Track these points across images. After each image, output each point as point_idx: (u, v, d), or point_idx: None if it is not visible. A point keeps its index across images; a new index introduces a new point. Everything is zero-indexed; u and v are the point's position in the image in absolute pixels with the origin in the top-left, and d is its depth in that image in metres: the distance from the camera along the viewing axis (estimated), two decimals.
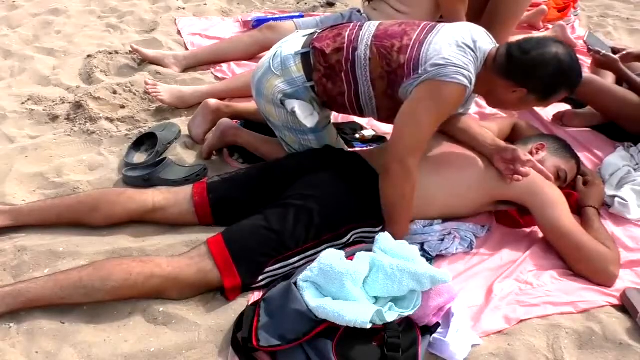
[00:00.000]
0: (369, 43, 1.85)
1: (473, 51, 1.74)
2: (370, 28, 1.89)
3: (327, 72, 1.88)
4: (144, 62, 3.01)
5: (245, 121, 2.36)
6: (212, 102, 2.35)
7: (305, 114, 1.94)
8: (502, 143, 1.91)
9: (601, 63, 2.42)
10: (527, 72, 1.71)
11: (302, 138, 2.03)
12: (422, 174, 1.83)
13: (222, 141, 2.25)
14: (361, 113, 1.98)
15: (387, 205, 1.77)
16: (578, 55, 3.14)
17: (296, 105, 1.93)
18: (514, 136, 2.29)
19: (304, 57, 1.92)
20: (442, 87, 1.70)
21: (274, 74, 1.95)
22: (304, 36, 1.99)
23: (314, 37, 1.95)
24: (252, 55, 3.02)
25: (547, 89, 1.75)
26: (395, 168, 1.71)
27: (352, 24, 1.96)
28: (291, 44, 1.99)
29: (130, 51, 3.10)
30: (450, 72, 1.68)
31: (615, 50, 2.49)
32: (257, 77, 2.02)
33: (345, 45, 1.87)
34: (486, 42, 1.80)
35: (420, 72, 1.74)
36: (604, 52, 2.38)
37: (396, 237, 1.65)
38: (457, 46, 1.72)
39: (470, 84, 1.71)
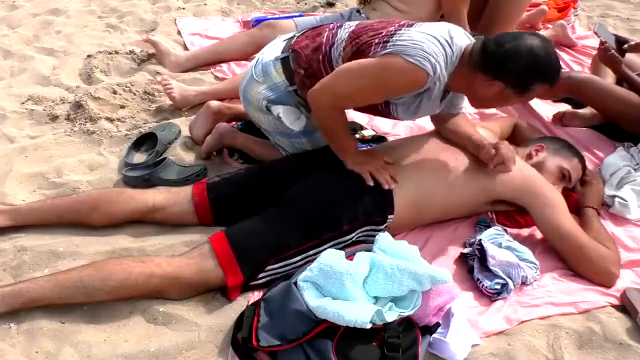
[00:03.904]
0: (345, 37, 1.85)
1: (449, 45, 1.71)
2: (349, 27, 1.89)
3: (307, 72, 1.88)
4: (144, 62, 3.01)
5: (245, 122, 2.37)
6: (214, 103, 2.36)
7: (291, 119, 1.95)
8: (490, 140, 1.90)
9: (605, 58, 2.41)
10: (501, 64, 1.67)
11: (295, 141, 2.04)
12: (421, 175, 1.84)
13: (221, 144, 2.26)
14: None
15: (322, 133, 1.90)
16: (577, 55, 3.20)
17: (281, 111, 1.94)
18: (514, 136, 2.29)
19: (284, 61, 1.92)
20: (401, 64, 1.67)
21: (257, 81, 1.97)
22: (284, 40, 2.00)
23: (293, 40, 1.95)
24: (252, 54, 3.01)
25: (522, 81, 1.69)
26: (312, 101, 1.78)
27: (332, 25, 1.95)
28: (272, 49, 2.00)
29: (130, 51, 3.11)
30: (417, 54, 1.66)
31: (620, 40, 2.49)
32: (242, 85, 2.04)
33: (323, 43, 1.87)
34: (463, 39, 1.77)
35: (388, 46, 1.71)
36: (613, 51, 2.37)
37: (340, 157, 1.84)
38: (431, 36, 1.71)
39: (435, 73, 1.67)
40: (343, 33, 1.86)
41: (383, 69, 1.70)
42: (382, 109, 1.88)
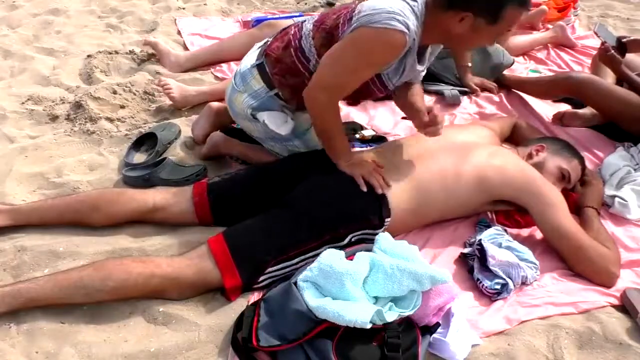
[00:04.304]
0: (310, 27, 1.86)
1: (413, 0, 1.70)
2: (312, 18, 1.91)
3: (282, 70, 1.89)
4: (144, 62, 3.02)
5: None
6: (215, 104, 2.37)
7: (277, 123, 1.95)
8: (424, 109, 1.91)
9: (605, 59, 2.41)
10: None
11: (288, 144, 2.04)
12: (421, 176, 1.84)
13: (217, 153, 2.26)
14: None
15: (317, 134, 1.88)
16: (577, 55, 3.20)
17: (265, 117, 1.95)
18: (514, 136, 2.30)
19: (260, 68, 1.93)
20: (370, 33, 1.65)
21: (238, 91, 1.98)
22: (259, 48, 2.01)
23: (266, 46, 1.96)
24: None
25: (491, 7, 1.65)
26: (307, 101, 1.78)
27: (297, 22, 1.96)
28: (248, 58, 2.01)
29: (130, 51, 3.11)
30: (382, 18, 1.63)
31: (621, 39, 2.49)
32: (227, 97, 2.06)
33: (291, 39, 1.88)
34: None
35: (352, 22, 1.71)
36: (612, 51, 2.37)
37: (333, 159, 1.84)
38: None
39: (409, 29, 1.65)
40: (308, 24, 1.88)
41: (357, 45, 1.69)
42: (377, 85, 1.87)
